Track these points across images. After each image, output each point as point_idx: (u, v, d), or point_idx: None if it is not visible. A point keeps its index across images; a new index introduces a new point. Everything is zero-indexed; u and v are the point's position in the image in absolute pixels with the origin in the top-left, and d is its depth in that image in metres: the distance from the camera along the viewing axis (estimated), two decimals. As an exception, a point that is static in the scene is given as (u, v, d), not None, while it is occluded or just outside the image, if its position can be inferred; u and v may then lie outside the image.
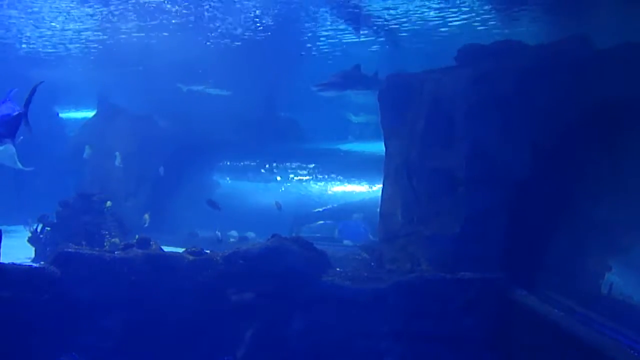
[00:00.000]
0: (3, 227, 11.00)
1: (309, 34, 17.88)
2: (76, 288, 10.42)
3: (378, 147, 14.29)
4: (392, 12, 15.46)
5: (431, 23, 16.09)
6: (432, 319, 10.09)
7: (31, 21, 17.02)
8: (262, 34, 17.71)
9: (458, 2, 14.55)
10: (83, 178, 19.93)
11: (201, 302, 10.66)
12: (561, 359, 8.53)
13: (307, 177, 20.13)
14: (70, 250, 10.82)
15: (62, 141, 22.73)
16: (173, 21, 16.77)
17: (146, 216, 15.54)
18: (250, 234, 16.39)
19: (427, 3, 14.73)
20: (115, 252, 10.98)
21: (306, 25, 17.12)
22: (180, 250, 11.40)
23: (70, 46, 19.54)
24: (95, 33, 18.13)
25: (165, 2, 15.39)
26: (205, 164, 20.80)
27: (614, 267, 10.33)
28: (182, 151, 19.83)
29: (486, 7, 14.64)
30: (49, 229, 13.92)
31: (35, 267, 10.83)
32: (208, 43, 18.41)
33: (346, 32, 17.51)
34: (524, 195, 10.48)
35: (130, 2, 15.36)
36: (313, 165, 20.22)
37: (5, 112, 8.19)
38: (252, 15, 16.19)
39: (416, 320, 10.13)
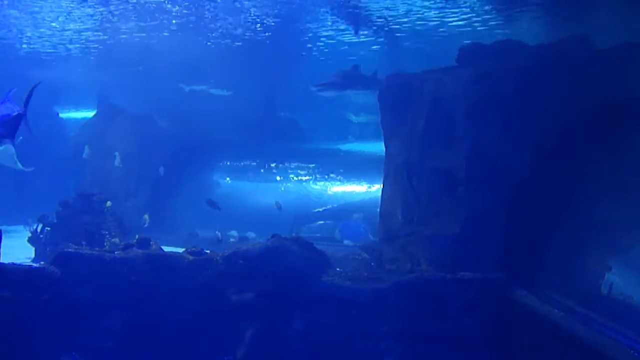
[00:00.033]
0: (3, 227, 11.00)
1: (309, 34, 17.88)
2: (76, 288, 10.42)
3: (378, 147, 14.30)
4: (392, 12, 15.45)
5: (431, 23, 16.08)
6: (432, 319, 10.09)
7: (31, 21, 17.01)
8: (263, 34, 17.71)
9: (458, 2, 14.54)
10: (83, 178, 19.94)
11: (201, 302, 10.66)
12: (561, 359, 8.53)
13: (307, 177, 20.13)
14: (70, 250, 10.82)
15: (62, 141, 22.72)
16: (173, 21, 16.77)
17: (146, 216, 15.54)
18: (251, 234, 16.40)
19: (427, 3, 14.73)
20: (115, 252, 10.98)
21: (306, 25, 17.12)
22: (180, 250, 11.40)
23: (70, 46, 19.54)
24: (96, 33, 18.13)
25: (166, 2, 15.38)
26: (205, 164, 20.81)
27: (614, 267, 10.34)
28: (182, 151, 19.84)
29: (486, 8, 14.63)
30: (49, 229, 13.92)
31: (35, 267, 10.83)
32: (209, 43, 18.40)
33: (346, 32, 17.50)
34: (524, 195, 10.48)
35: (130, 2, 15.34)
36: (313, 165, 20.22)
37: (4, 113, 8.18)
38: (253, 15, 16.18)
39: (416, 320, 10.13)
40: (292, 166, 20.40)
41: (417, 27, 16.48)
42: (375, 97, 13.44)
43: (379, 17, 15.89)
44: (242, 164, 21.05)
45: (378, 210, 13.13)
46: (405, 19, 15.92)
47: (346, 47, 18.65)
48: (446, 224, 10.88)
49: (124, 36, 18.06)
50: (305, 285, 10.58)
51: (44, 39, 18.72)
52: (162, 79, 20.17)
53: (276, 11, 15.69)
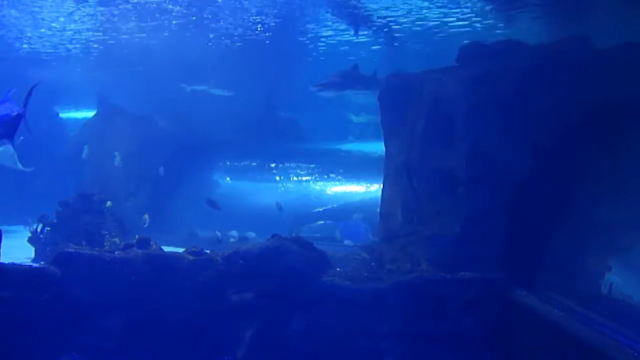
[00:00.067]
0: (3, 227, 11.00)
1: (310, 35, 17.87)
2: (76, 288, 10.42)
3: (378, 147, 14.30)
4: (392, 12, 15.45)
5: (431, 23, 16.08)
6: (432, 319, 10.09)
7: (31, 21, 17.01)
8: (263, 35, 17.71)
9: (459, 2, 14.54)
10: (83, 178, 19.94)
11: (201, 302, 10.67)
12: (561, 359, 8.53)
13: (307, 177, 20.13)
14: (70, 250, 10.82)
15: (62, 141, 22.71)
16: (174, 22, 16.77)
17: (146, 216, 15.53)
18: (251, 234, 16.39)
19: (427, 3, 14.73)
20: (115, 252, 10.98)
21: (306, 26, 17.12)
22: (180, 250, 11.40)
23: (70, 46, 19.53)
24: (96, 33, 18.13)
25: (166, 2, 15.38)
26: (205, 164, 20.81)
27: (614, 267, 10.34)
28: (182, 151, 19.83)
29: (486, 8, 14.63)
30: (49, 229, 13.91)
31: (35, 267, 10.83)
32: (209, 43, 18.40)
33: (346, 32, 17.51)
34: (524, 195, 10.48)
35: (130, 2, 15.34)
36: (313, 165, 20.22)
37: (4, 113, 8.17)
38: (253, 15, 16.18)
39: (416, 320, 10.13)
40: (292, 166, 20.41)
41: (417, 28, 16.48)
42: (375, 97, 13.44)
43: (379, 18, 15.89)
44: (242, 164, 21.05)
45: (378, 210, 13.13)
46: (405, 19, 15.92)
47: (346, 47, 18.64)
48: (446, 224, 10.88)
49: (124, 36, 18.05)
50: (305, 285, 10.58)
51: (44, 39, 18.71)
52: (162, 79, 20.17)
53: (276, 11, 15.69)
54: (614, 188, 10.08)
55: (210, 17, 16.35)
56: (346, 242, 15.67)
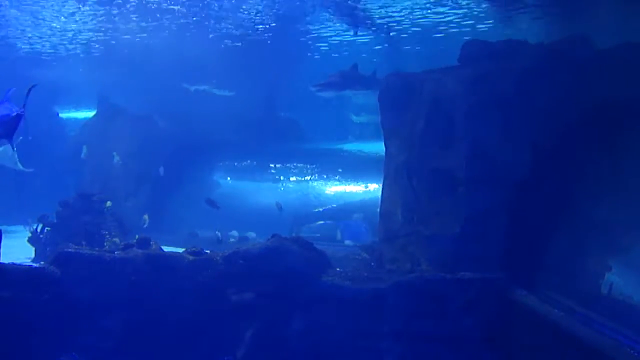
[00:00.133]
0: (3, 227, 11.00)
1: (310, 35, 17.88)
2: (76, 288, 10.42)
3: (378, 147, 14.29)
4: (392, 12, 15.45)
5: (432, 24, 16.08)
6: (432, 319, 10.09)
7: (32, 21, 17.01)
8: (263, 35, 17.71)
9: (459, 2, 14.54)
10: (83, 178, 19.94)
11: (201, 302, 10.66)
12: (561, 359, 8.53)
13: (307, 177, 20.12)
14: (70, 250, 10.83)
15: (62, 141, 22.72)
16: (175, 22, 16.77)
17: (145, 217, 15.51)
18: (251, 234, 16.39)
19: (427, 3, 14.73)
20: (115, 252, 10.98)
21: (307, 26, 17.12)
22: (180, 250, 11.40)
23: (71, 46, 19.53)
24: (97, 34, 18.13)
25: (167, 2, 15.38)
26: (205, 164, 20.80)
27: (614, 267, 10.33)
28: (182, 151, 19.82)
29: (484, 6, 14.62)
30: (49, 229, 13.90)
31: (35, 267, 10.83)
32: (209, 44, 18.39)
33: (347, 32, 17.51)
34: (524, 195, 10.48)
35: (131, 2, 15.34)
36: (313, 165, 20.22)
37: (3, 113, 8.16)
38: (254, 15, 16.18)
39: (416, 320, 10.13)
40: (292, 166, 20.40)
41: (417, 28, 16.48)
42: (375, 97, 13.43)
43: (379, 18, 15.89)
44: (242, 163, 21.04)
45: (378, 210, 13.13)
46: (405, 19, 15.92)
47: (346, 47, 18.65)
48: (446, 224, 10.88)
49: (126, 36, 18.06)
50: (305, 285, 10.58)
51: (44, 39, 18.72)
52: (163, 79, 20.17)
53: (274, 11, 15.68)
54: (614, 188, 10.08)
55: (210, 17, 16.35)
56: (346, 242, 15.65)
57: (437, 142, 11.30)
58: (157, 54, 18.98)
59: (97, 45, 19.26)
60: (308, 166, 20.24)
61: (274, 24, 16.77)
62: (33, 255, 13.78)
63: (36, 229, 14.09)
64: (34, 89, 8.28)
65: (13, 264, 10.37)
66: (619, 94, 9.95)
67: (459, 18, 15.53)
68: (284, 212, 16.51)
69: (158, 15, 16.31)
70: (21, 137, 8.68)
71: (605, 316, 8.63)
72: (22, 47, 19.41)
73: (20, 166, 16.16)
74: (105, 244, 13.05)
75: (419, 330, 10.11)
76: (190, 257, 10.88)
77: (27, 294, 10.14)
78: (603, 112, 10.12)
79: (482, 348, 9.95)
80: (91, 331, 10.41)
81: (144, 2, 15.30)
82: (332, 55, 19.32)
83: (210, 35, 17.77)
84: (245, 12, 15.98)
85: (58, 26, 17.46)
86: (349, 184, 19.71)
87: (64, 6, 15.77)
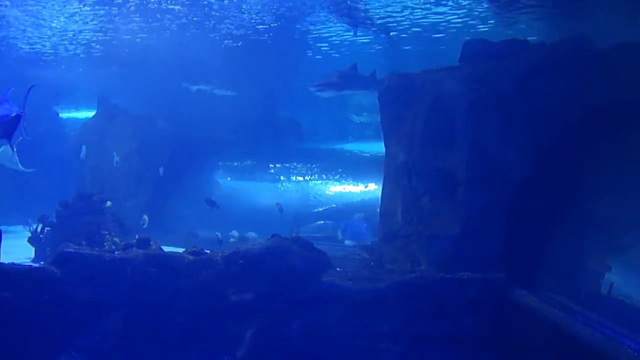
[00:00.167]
0: (3, 227, 11.00)
1: (311, 35, 17.88)
2: (76, 288, 10.41)
3: (378, 147, 14.30)
4: (392, 12, 15.45)
5: (432, 24, 16.08)
6: (432, 319, 10.09)
7: (32, 21, 17.01)
8: (264, 35, 17.71)
9: (459, 2, 14.53)
10: (83, 178, 19.96)
11: (201, 302, 10.65)
12: (561, 359, 8.52)
13: (307, 177, 20.13)
14: (70, 250, 10.81)
15: (62, 141, 22.74)
16: (175, 22, 16.77)
17: (145, 217, 15.51)
18: (251, 234, 16.39)
19: (428, 4, 14.73)
20: (115, 252, 10.97)
21: (308, 26, 17.12)
22: (180, 250, 11.39)
23: (71, 46, 19.54)
24: (97, 34, 18.14)
25: (167, 2, 15.38)
26: (205, 164, 20.82)
27: (614, 267, 10.32)
28: (182, 151, 19.84)
29: (485, 5, 14.62)
30: (49, 229, 13.90)
31: (35, 267, 10.81)
32: (210, 44, 18.39)
33: (347, 32, 17.51)
34: (524, 195, 10.48)
35: (131, 2, 15.34)
36: (313, 165, 20.22)
37: (2, 114, 8.14)
38: (254, 15, 16.19)
39: (416, 320, 10.12)
40: (292, 166, 20.41)
41: (417, 28, 16.48)
42: (375, 97, 13.44)
43: (379, 17, 15.89)
44: (242, 164, 21.05)
45: (378, 210, 13.13)
46: (405, 19, 15.92)
47: (347, 47, 18.65)
48: (446, 224, 10.87)
49: (125, 36, 18.06)
50: (305, 285, 10.57)
51: (44, 39, 18.72)
52: (163, 80, 20.19)
53: (274, 10, 15.68)
54: (614, 188, 10.06)
55: (211, 17, 16.35)
56: (346, 242, 15.66)
57: (437, 142, 11.30)
58: (157, 54, 18.99)
59: (97, 46, 19.26)
60: (308, 166, 20.25)
61: (274, 24, 16.76)
62: (33, 255, 13.78)
63: (36, 229, 14.09)
64: (33, 89, 8.27)
65: (13, 264, 10.36)
66: (620, 94, 9.94)
67: (459, 18, 15.53)
68: (284, 212, 16.51)
69: (158, 16, 16.31)
70: (21, 138, 8.66)
71: (605, 316, 8.62)
72: (22, 47, 19.41)
73: (20, 167, 16.14)
74: (105, 244, 13.05)
75: (419, 330, 10.11)
76: (190, 257, 10.87)
77: (27, 294, 10.13)
78: (603, 112, 10.12)
79: (482, 348, 9.95)
80: (91, 331, 10.40)
81: (144, 2, 15.31)
82: (333, 55, 19.31)
83: (211, 35, 17.77)
84: (246, 12, 15.98)
85: (58, 26, 17.46)
86: (349, 184, 19.71)
87: (65, 6, 15.77)
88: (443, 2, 14.52)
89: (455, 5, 14.72)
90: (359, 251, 13.94)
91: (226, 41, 18.29)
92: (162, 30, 17.39)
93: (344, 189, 19.70)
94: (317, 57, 19.69)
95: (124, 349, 10.42)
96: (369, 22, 16.26)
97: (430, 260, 10.91)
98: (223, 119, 20.70)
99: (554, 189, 10.48)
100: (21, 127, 8.30)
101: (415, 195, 11.72)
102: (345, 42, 18.29)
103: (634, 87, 9.62)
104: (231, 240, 15.84)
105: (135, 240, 11.45)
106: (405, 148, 12.11)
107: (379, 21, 16.18)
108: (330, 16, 16.13)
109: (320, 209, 18.71)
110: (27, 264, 11.18)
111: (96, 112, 22.51)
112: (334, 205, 18.92)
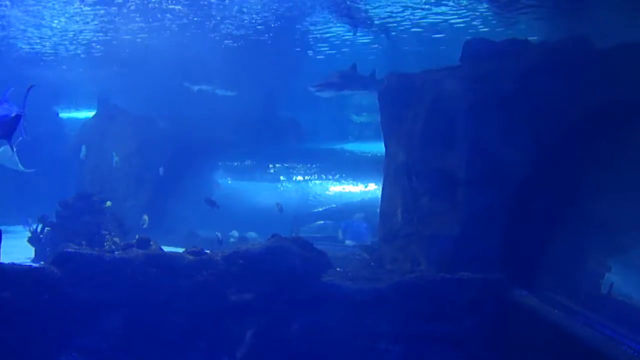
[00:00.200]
0: (3, 227, 10.99)
1: (311, 35, 17.88)
2: (76, 288, 10.40)
3: (378, 147, 14.30)
4: (393, 12, 15.45)
5: (433, 24, 16.08)
6: (432, 319, 10.08)
7: (32, 21, 17.02)
8: (264, 35, 17.72)
9: (460, 2, 14.54)
10: (83, 178, 19.95)
11: (201, 302, 10.65)
12: (561, 359, 8.52)
13: (307, 177, 20.12)
14: (70, 250, 10.81)
15: (62, 141, 22.74)
16: (175, 22, 16.77)
17: (145, 217, 15.50)
18: (252, 234, 16.38)
19: (428, 4, 14.73)
20: (115, 252, 10.97)
21: (308, 26, 17.13)
22: (181, 250, 11.39)
23: (71, 46, 19.54)
24: (97, 34, 18.14)
25: (168, 1, 15.38)
26: (205, 164, 20.81)
27: (614, 267, 10.33)
28: (182, 151, 19.84)
29: (485, 6, 14.62)
30: (49, 229, 13.90)
31: (35, 267, 10.80)
32: (210, 44, 18.40)
33: (347, 33, 17.51)
34: (525, 195, 10.47)
35: (131, 2, 15.35)
36: (313, 165, 20.22)
37: (2, 114, 8.13)
38: (254, 15, 16.19)
39: (416, 320, 10.12)
40: (293, 166, 20.41)
41: (418, 28, 16.48)
42: (375, 97, 13.43)
43: (379, 17, 15.89)
44: (242, 163, 21.05)
45: (378, 210, 13.13)
46: (405, 19, 15.91)
47: (346, 47, 18.65)
48: (446, 224, 10.87)
49: (126, 37, 18.06)
50: (305, 285, 10.57)
51: (44, 39, 18.72)
52: (163, 80, 20.18)
53: (274, 10, 15.68)
54: (614, 188, 10.07)
55: (211, 17, 16.35)
56: (347, 242, 15.65)
57: (437, 142, 11.30)
58: (157, 54, 19.00)
59: (97, 46, 19.27)
60: (308, 166, 20.25)
61: (274, 24, 16.76)
62: (33, 255, 13.77)
63: (36, 229, 14.09)
64: (33, 89, 8.27)
65: (13, 264, 10.35)
66: (620, 94, 9.94)
67: (459, 18, 15.53)
68: (284, 212, 16.50)
69: (159, 16, 16.32)
70: (21, 138, 8.65)
71: (605, 316, 8.62)
72: (22, 47, 19.42)
73: (21, 167, 16.15)
74: (105, 244, 13.04)
75: (419, 330, 10.10)
76: (190, 257, 10.87)
77: (27, 294, 10.12)
78: (603, 112, 10.12)
79: (482, 348, 9.94)
80: (91, 331, 10.39)
81: (145, 1, 15.31)
82: (333, 55, 19.32)
83: (211, 35, 17.77)
84: (246, 12, 15.99)
85: (58, 26, 17.47)
86: (348, 184, 19.71)
87: (65, 6, 15.77)
88: (443, 2, 14.51)
89: (455, 6, 14.72)
90: (359, 251, 13.94)
91: (226, 41, 18.29)
92: (162, 30, 17.40)
93: (343, 189, 19.69)
94: (318, 57, 19.70)
95: (124, 349, 10.42)
96: (368, 22, 16.26)
97: (430, 261, 10.91)
98: (223, 119, 20.70)
99: (554, 189, 10.48)
100: (21, 127, 8.29)
101: (415, 195, 11.72)
102: (346, 42, 18.29)
103: (634, 87, 9.62)
104: (231, 240, 15.84)
105: (135, 240, 11.45)
106: (405, 148, 12.11)
107: (379, 21, 16.18)
108: (330, 16, 16.14)
109: (320, 209, 18.71)
110: (27, 264, 11.18)
111: (96, 112, 22.50)
112: (334, 206, 18.91)
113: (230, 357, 10.48)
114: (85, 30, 17.78)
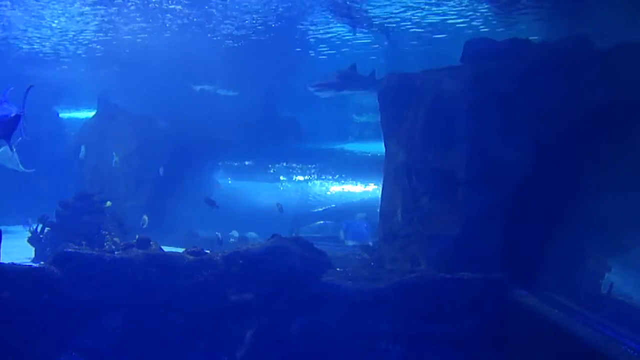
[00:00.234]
0: (3, 227, 10.98)
1: (311, 35, 17.88)
2: (76, 288, 10.40)
3: (378, 147, 14.29)
4: (393, 12, 15.45)
5: (433, 24, 16.08)
6: (432, 319, 10.08)
7: (32, 21, 17.02)
8: (264, 35, 17.72)
9: (460, 2, 14.54)
10: (83, 178, 19.96)
11: (201, 302, 10.65)
12: (561, 359, 8.53)
13: (307, 177, 20.12)
14: (70, 250, 10.80)
15: (62, 141, 22.74)
16: (176, 22, 16.77)
17: (145, 217, 15.50)
18: (252, 234, 16.38)
19: (429, 5, 14.73)
20: (115, 252, 10.97)
21: (308, 26, 17.13)
22: (181, 250, 11.39)
23: (71, 47, 19.55)
24: (98, 34, 18.14)
25: (168, 1, 15.38)
26: (206, 164, 20.81)
27: (614, 267, 10.33)
28: (182, 151, 19.84)
29: (485, 6, 14.62)
30: (49, 229, 13.90)
31: (35, 267, 10.80)
32: (210, 44, 18.40)
33: (347, 33, 17.51)
34: (525, 195, 10.47)
35: (131, 2, 15.35)
36: (313, 165, 20.22)
37: (2, 114, 8.13)
38: (255, 15, 16.19)
39: (416, 320, 10.12)
40: (293, 166, 20.40)
41: (418, 28, 16.48)
42: (375, 97, 13.43)
43: (379, 18, 15.89)
44: (242, 163, 21.05)
45: (378, 210, 13.12)
46: (406, 20, 15.91)
47: (347, 46, 18.65)
48: (446, 224, 10.87)
49: (126, 37, 18.07)
50: (305, 285, 10.57)
51: (44, 39, 18.73)
52: (163, 80, 20.19)
53: (273, 10, 15.68)
54: (614, 188, 10.07)
55: (211, 17, 16.35)
56: (346, 242, 15.65)
57: (437, 142, 11.29)
58: (158, 54, 19.00)
59: (98, 46, 19.28)
60: (308, 166, 20.24)
61: (274, 24, 16.76)
62: (33, 255, 13.77)
63: (36, 229, 14.08)
64: (33, 89, 8.26)
65: (13, 264, 10.35)
66: (620, 94, 9.95)
67: (460, 18, 15.53)
68: (284, 212, 16.50)
69: (159, 16, 16.32)
70: (20, 138, 8.64)
71: (605, 316, 8.62)
72: (23, 47, 19.42)
73: (21, 167, 16.15)
74: (105, 244, 13.04)
75: (419, 330, 10.10)
76: (190, 257, 10.87)
77: (27, 294, 10.12)
78: (603, 112, 10.12)
79: (482, 348, 9.94)
80: (91, 331, 10.39)
81: (145, 1, 15.31)
82: (333, 55, 19.32)
83: (211, 36, 17.77)
84: (246, 13, 15.99)
85: (59, 26, 17.47)
86: (348, 184, 19.70)
87: (66, 6, 15.77)
88: (444, 2, 14.51)
89: (455, 6, 14.71)
90: (359, 251, 13.93)
91: (227, 41, 18.29)
92: (162, 31, 17.40)
93: (343, 189, 19.68)
94: (318, 57, 19.69)
95: (124, 349, 10.41)
96: (368, 22, 16.25)
97: (430, 261, 10.91)
98: (223, 119, 20.70)
99: (554, 189, 10.48)
100: (21, 128, 8.29)
101: (415, 195, 11.72)
102: (346, 43, 18.29)
103: (634, 87, 9.62)
104: (231, 240, 15.83)
105: (135, 240, 11.45)
106: (405, 148, 12.11)
107: (379, 21, 16.18)
108: (330, 16, 16.14)
109: (320, 209, 18.70)
110: (27, 264, 11.17)
111: (96, 112, 22.51)
112: (334, 206, 18.90)
113: (230, 357, 10.48)
114: (85, 30, 17.78)
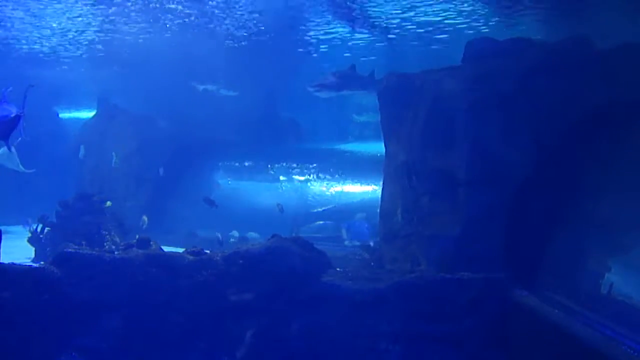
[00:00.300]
0: (3, 227, 10.99)
1: (311, 35, 17.88)
2: (76, 288, 10.40)
3: (378, 147, 14.29)
4: (393, 12, 15.45)
5: (433, 24, 16.07)
6: (432, 319, 10.08)
7: (32, 21, 17.02)
8: (265, 35, 17.72)
9: (460, 3, 14.53)
10: (83, 178, 19.96)
11: (201, 302, 10.65)
12: (561, 359, 8.52)
13: (308, 177, 20.11)
14: (70, 250, 10.80)
15: (62, 141, 22.74)
16: (176, 22, 16.78)
17: (144, 218, 15.50)
18: (252, 234, 16.38)
19: (427, 5, 14.73)
20: (115, 252, 10.98)
21: (307, 26, 17.12)
22: (181, 250, 11.39)
23: (71, 47, 19.55)
24: (98, 34, 18.14)
25: (169, 1, 15.38)
26: (206, 164, 20.81)
27: (613, 267, 10.32)
28: (182, 151, 19.84)
29: (486, 7, 14.62)
30: (49, 229, 13.90)
31: (35, 267, 10.81)
32: (211, 44, 18.39)
33: (348, 33, 17.51)
34: (525, 195, 10.47)
35: (132, 2, 15.35)
36: (313, 165, 20.20)
37: (1, 114, 8.13)
38: (255, 15, 16.19)
39: (416, 320, 10.12)
40: (293, 166, 20.39)
41: (418, 28, 16.48)
42: (375, 97, 13.42)
43: (379, 18, 15.89)
44: (243, 164, 21.04)
45: (378, 210, 13.12)
46: (406, 20, 15.91)
47: (347, 46, 18.64)
48: (446, 224, 10.87)
49: (127, 37, 18.07)
50: (305, 285, 10.57)
51: (45, 39, 18.73)
52: (163, 79, 20.18)
53: (274, 10, 15.68)
54: (614, 188, 10.07)
55: (212, 17, 16.35)
56: (346, 242, 15.64)
57: (437, 142, 11.30)
58: (158, 54, 18.99)
59: (98, 46, 19.28)
60: (308, 166, 20.23)
61: (274, 24, 16.76)
62: (33, 255, 13.77)
63: (36, 229, 14.09)
64: (33, 89, 8.26)
65: (13, 264, 10.35)
66: (620, 94, 9.95)
67: (460, 19, 15.53)
68: (284, 212, 16.50)
69: (160, 16, 16.32)
70: (20, 138, 8.64)
71: (605, 316, 8.62)
72: (22, 47, 19.42)
73: (21, 167, 16.16)
74: (105, 244, 13.05)
75: (419, 330, 10.10)
76: (190, 257, 10.87)
77: (27, 294, 10.12)
78: (604, 112, 10.12)
79: (482, 348, 9.94)
80: (91, 331, 10.39)
81: (146, 1, 15.31)
82: (333, 55, 19.32)
83: (212, 36, 17.77)
84: (247, 13, 15.99)
85: (59, 27, 17.47)
86: (348, 184, 19.69)
87: (66, 7, 15.77)
88: (444, 3, 14.51)
89: (456, 6, 14.71)
90: (359, 251, 13.93)
91: (227, 41, 18.29)
92: (163, 31, 17.39)
93: (343, 189, 19.67)
94: (318, 57, 19.68)
95: (124, 349, 10.42)
96: (368, 22, 16.25)
97: (430, 261, 10.91)
98: (223, 119, 20.70)
99: (554, 189, 10.48)
100: (20, 128, 8.29)
101: (415, 195, 11.72)
102: (346, 43, 18.28)
103: (634, 87, 9.62)
104: (231, 240, 15.83)
105: (135, 241, 11.45)
106: (405, 148, 12.11)
107: (379, 21, 16.17)
108: (331, 16, 16.13)
109: (320, 209, 18.69)
110: (27, 264, 11.18)
111: (96, 112, 22.50)
112: (334, 206, 18.89)
113: (230, 357, 10.48)
114: (86, 30, 17.78)
